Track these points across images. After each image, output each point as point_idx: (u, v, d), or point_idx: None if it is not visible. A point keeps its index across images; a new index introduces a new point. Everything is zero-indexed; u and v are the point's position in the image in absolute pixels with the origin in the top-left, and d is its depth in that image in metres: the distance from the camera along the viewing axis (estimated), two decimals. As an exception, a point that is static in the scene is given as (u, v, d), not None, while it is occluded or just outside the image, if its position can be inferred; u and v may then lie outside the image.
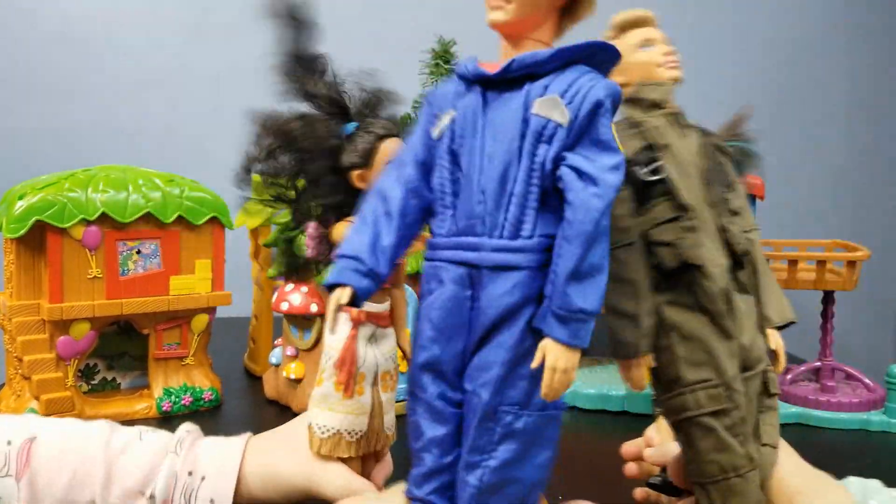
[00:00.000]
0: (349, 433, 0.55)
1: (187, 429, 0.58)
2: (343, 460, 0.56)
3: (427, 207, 0.45)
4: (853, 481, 0.53)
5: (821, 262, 0.94)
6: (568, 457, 0.82)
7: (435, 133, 0.44)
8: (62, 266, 0.84)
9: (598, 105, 0.39)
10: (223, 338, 1.07)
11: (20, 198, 0.83)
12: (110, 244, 0.87)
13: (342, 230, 0.54)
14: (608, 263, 0.39)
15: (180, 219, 0.90)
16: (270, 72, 0.55)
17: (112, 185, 0.87)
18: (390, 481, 0.60)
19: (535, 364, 0.39)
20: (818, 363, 0.96)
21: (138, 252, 0.89)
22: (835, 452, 0.83)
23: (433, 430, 0.44)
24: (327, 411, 0.55)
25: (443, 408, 0.44)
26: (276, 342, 1.03)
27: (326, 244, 0.57)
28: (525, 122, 0.40)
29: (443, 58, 1.28)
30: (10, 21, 1.51)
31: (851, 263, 0.93)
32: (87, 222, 0.85)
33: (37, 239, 0.85)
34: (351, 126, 0.55)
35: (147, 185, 0.89)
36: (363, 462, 0.58)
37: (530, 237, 0.40)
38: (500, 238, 0.41)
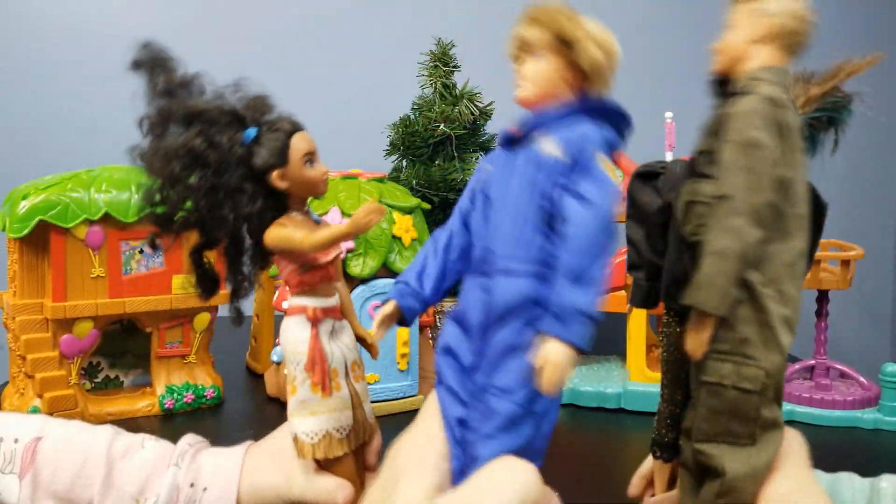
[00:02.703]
0: (338, 430, 0.55)
1: (189, 441, 0.58)
2: (337, 461, 0.55)
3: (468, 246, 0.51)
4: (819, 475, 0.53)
5: (815, 262, 0.95)
6: (565, 453, 0.84)
7: (477, 184, 0.51)
8: (65, 265, 0.85)
9: (589, 144, 0.44)
10: (225, 336, 1.07)
11: (24, 198, 0.84)
12: (113, 244, 0.88)
13: (274, 232, 0.53)
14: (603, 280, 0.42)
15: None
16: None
17: (115, 186, 0.88)
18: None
19: (534, 360, 0.41)
20: (812, 361, 0.97)
21: (141, 251, 0.90)
22: (829, 450, 0.84)
23: (454, 410, 0.47)
24: (310, 416, 0.54)
25: (461, 391, 0.47)
26: (277, 340, 1.04)
27: (258, 256, 0.56)
28: (533, 160, 0.46)
29: (441, 59, 1.29)
30: (12, 21, 1.52)
31: (846, 262, 0.94)
32: (90, 222, 0.86)
33: (40, 239, 0.86)
34: (251, 131, 0.54)
35: (149, 185, 0.90)
36: (355, 456, 0.58)
37: (531, 249, 0.45)
38: (510, 249, 0.46)
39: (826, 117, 0.61)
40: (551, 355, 0.41)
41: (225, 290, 0.58)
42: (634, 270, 0.67)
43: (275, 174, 0.53)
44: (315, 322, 0.54)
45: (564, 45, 0.47)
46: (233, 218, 0.53)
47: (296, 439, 0.55)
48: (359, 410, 0.57)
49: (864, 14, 1.80)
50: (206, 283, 0.58)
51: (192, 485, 0.54)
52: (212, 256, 0.58)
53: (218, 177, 0.52)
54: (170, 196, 0.52)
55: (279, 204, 0.55)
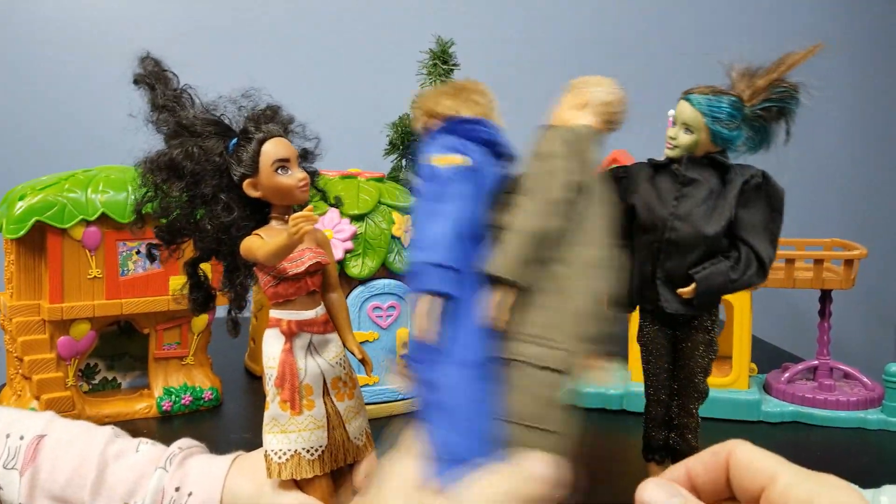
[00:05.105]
0: (308, 451, 0.52)
1: (180, 445, 0.58)
2: (309, 482, 0.53)
3: None
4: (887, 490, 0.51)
5: (818, 261, 0.94)
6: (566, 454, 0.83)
7: None
8: (62, 266, 0.84)
9: (425, 157, 0.50)
10: (223, 337, 1.07)
11: (20, 198, 0.83)
12: (110, 244, 0.87)
13: (245, 243, 0.52)
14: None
15: (180, 219, 0.90)
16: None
17: (112, 186, 0.87)
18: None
19: None
20: (816, 362, 0.97)
21: (138, 252, 0.89)
22: (832, 451, 0.84)
23: None
24: (280, 434, 0.52)
25: None
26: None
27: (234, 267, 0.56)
28: None
29: (440, 58, 1.28)
30: (10, 21, 1.51)
31: (849, 262, 0.93)
32: (87, 223, 0.85)
33: (37, 239, 0.85)
34: (233, 142, 0.54)
35: (147, 185, 0.89)
36: (336, 479, 0.56)
37: None
38: None
39: (775, 108, 0.62)
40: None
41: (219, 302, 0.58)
42: None
43: (246, 183, 0.53)
44: (289, 336, 0.52)
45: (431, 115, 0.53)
46: (211, 228, 0.53)
47: (266, 456, 0.53)
48: (338, 431, 0.54)
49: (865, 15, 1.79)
50: (199, 296, 0.58)
51: (177, 489, 0.54)
52: (207, 269, 0.58)
53: (195, 188, 0.53)
54: (155, 207, 0.54)
55: (261, 214, 0.54)
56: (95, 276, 0.86)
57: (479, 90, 0.52)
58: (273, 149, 0.52)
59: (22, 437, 0.55)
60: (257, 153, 0.52)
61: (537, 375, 0.44)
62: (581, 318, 0.45)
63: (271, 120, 0.55)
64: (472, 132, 0.50)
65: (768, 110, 0.62)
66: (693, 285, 0.59)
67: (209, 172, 0.53)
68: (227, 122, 0.55)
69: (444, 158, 0.48)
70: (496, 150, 0.51)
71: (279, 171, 0.52)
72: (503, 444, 0.42)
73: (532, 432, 0.43)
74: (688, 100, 0.60)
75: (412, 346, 0.45)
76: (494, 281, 0.45)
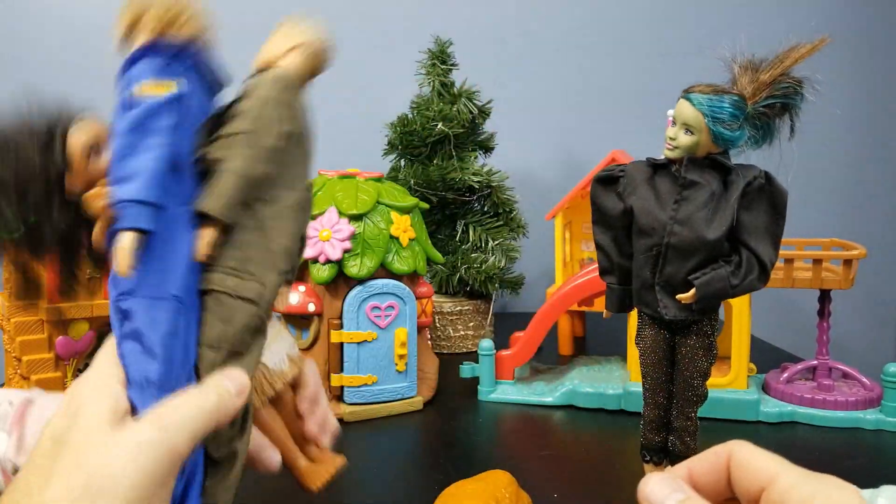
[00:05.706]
0: None
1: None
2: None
3: None
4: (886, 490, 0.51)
5: (817, 261, 0.94)
6: (565, 454, 0.83)
7: None
8: (60, 266, 0.84)
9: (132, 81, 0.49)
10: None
11: (18, 198, 0.83)
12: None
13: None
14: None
15: (178, 219, 0.90)
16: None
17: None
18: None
19: None
20: (815, 362, 0.97)
21: (136, 252, 0.89)
22: (831, 451, 0.84)
23: None
24: None
25: None
26: (274, 342, 1.03)
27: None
28: None
29: (439, 58, 1.28)
30: (11, 19, 1.51)
31: (848, 262, 0.93)
32: (86, 222, 0.85)
33: (35, 239, 0.85)
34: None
35: (145, 185, 0.89)
36: (280, 405, 0.56)
37: None
38: None
39: (779, 104, 0.61)
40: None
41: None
42: (606, 275, 0.67)
43: (66, 182, 0.48)
44: None
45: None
46: (51, 233, 0.50)
47: None
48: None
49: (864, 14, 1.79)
50: (31, 291, 0.59)
51: None
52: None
53: (25, 198, 0.49)
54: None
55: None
56: (93, 276, 0.86)
57: (193, 7, 0.49)
58: (78, 135, 0.48)
59: (11, 403, 0.58)
60: (62, 147, 0.48)
61: (233, 304, 0.46)
62: (278, 254, 0.48)
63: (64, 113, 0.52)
64: (182, 53, 0.47)
65: (772, 107, 0.60)
66: (692, 291, 0.59)
67: (34, 178, 0.49)
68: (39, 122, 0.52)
69: (149, 86, 0.46)
70: (206, 75, 0.49)
71: (94, 156, 0.48)
72: (199, 367, 0.44)
73: (226, 355, 0.45)
74: (688, 99, 0.58)
75: (112, 280, 0.44)
76: (202, 218, 0.46)
